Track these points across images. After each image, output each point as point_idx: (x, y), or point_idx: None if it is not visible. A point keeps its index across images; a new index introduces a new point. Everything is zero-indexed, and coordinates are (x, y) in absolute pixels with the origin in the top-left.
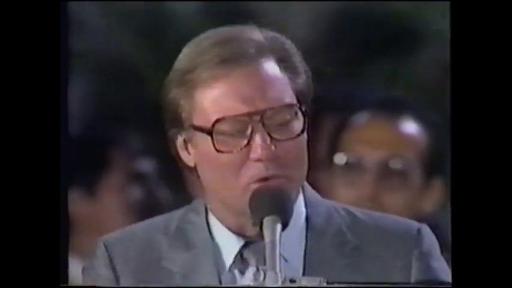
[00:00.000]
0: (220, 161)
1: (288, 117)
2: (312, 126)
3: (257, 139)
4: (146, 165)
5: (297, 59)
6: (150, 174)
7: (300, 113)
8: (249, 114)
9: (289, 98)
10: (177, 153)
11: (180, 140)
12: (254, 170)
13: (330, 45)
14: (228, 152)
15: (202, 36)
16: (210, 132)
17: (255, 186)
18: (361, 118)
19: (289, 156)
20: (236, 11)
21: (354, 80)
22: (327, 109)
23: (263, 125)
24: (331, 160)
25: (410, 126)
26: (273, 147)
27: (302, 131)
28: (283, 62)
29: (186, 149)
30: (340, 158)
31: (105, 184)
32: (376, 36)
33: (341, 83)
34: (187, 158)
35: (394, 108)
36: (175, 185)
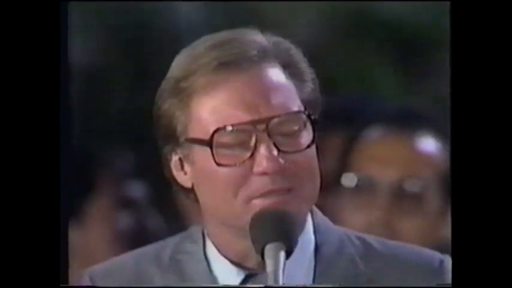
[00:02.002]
0: (219, 177)
1: (296, 127)
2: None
3: (262, 150)
4: (136, 188)
5: (303, 65)
6: (141, 198)
7: (308, 123)
8: (253, 123)
9: (297, 106)
10: (172, 174)
11: (174, 159)
12: (258, 184)
13: (337, 51)
14: (229, 165)
15: (198, 41)
16: (209, 144)
17: (258, 202)
18: (373, 133)
19: (298, 170)
20: (240, 13)
21: (363, 90)
22: (333, 122)
23: (268, 135)
24: (338, 181)
25: (427, 143)
26: (280, 160)
27: (312, 142)
28: (289, 67)
29: (182, 168)
30: (349, 179)
31: (91, 209)
32: (389, 41)
33: (349, 93)
34: (183, 178)
35: (409, 122)
36: (169, 210)
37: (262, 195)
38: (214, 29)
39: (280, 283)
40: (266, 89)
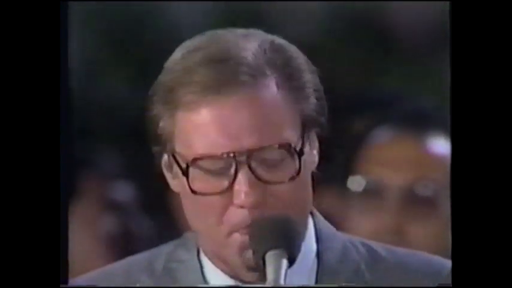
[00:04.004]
0: (200, 203)
1: (280, 157)
2: (322, 143)
3: (241, 183)
4: (125, 191)
5: (307, 77)
6: (130, 202)
7: (295, 153)
8: (233, 153)
9: (285, 133)
10: (163, 173)
11: (165, 160)
12: (237, 218)
13: (344, 49)
14: (207, 194)
15: (194, 42)
16: (185, 173)
17: (238, 236)
18: (381, 134)
19: (280, 202)
20: (243, 11)
21: (371, 88)
22: (339, 123)
23: (249, 166)
24: (345, 184)
25: (438, 144)
26: (259, 193)
27: (297, 174)
28: (287, 81)
29: (171, 171)
30: (356, 182)
31: (76, 214)
32: (397, 38)
33: (356, 91)
34: (172, 182)
35: (419, 123)
36: (162, 215)
37: (243, 229)
38: (215, 28)
39: None
40: (252, 118)
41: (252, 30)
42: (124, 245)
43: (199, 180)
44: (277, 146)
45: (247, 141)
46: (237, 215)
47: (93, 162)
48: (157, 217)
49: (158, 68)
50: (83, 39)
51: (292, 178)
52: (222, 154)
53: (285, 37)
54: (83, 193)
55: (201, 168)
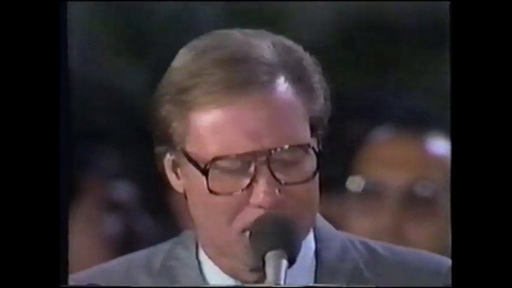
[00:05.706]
0: (213, 202)
1: (299, 156)
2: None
3: (260, 183)
4: (125, 191)
5: (316, 78)
6: (130, 202)
7: (312, 152)
8: (254, 154)
9: (302, 132)
10: (164, 172)
11: (168, 159)
12: (253, 216)
13: (344, 49)
14: (225, 194)
15: (205, 42)
16: (205, 173)
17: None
18: (380, 134)
19: (296, 203)
20: (247, 11)
21: (371, 88)
22: (339, 123)
23: (268, 166)
24: (344, 184)
25: (438, 144)
26: (277, 192)
27: (314, 174)
28: (299, 82)
29: (175, 172)
30: (355, 183)
31: (76, 214)
32: (397, 37)
33: (357, 91)
34: (176, 182)
35: (419, 123)
36: (161, 215)
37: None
38: (218, 27)
39: None
40: (271, 116)
41: (258, 31)
42: (124, 245)
43: (216, 179)
44: (297, 146)
45: (267, 141)
46: (254, 214)
47: (93, 162)
48: (157, 217)
49: (160, 68)
50: (83, 39)
51: (309, 179)
52: (243, 154)
53: (286, 37)
54: (83, 193)
55: (219, 168)
